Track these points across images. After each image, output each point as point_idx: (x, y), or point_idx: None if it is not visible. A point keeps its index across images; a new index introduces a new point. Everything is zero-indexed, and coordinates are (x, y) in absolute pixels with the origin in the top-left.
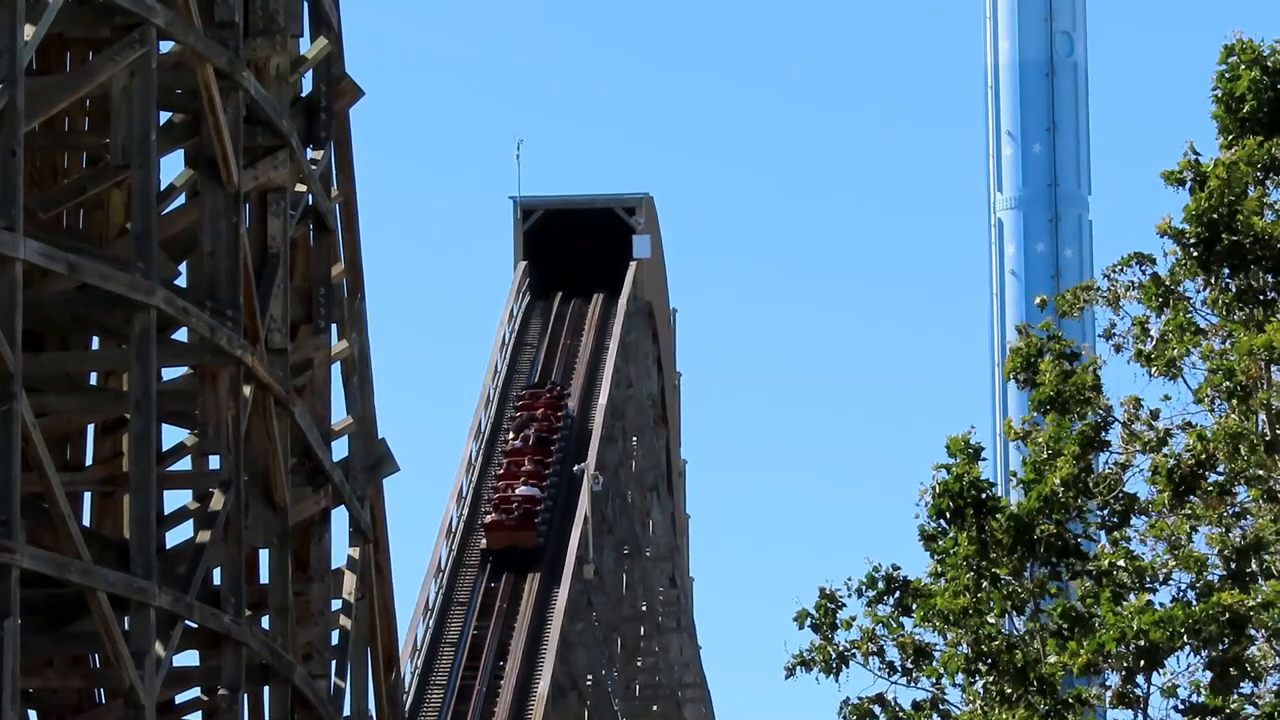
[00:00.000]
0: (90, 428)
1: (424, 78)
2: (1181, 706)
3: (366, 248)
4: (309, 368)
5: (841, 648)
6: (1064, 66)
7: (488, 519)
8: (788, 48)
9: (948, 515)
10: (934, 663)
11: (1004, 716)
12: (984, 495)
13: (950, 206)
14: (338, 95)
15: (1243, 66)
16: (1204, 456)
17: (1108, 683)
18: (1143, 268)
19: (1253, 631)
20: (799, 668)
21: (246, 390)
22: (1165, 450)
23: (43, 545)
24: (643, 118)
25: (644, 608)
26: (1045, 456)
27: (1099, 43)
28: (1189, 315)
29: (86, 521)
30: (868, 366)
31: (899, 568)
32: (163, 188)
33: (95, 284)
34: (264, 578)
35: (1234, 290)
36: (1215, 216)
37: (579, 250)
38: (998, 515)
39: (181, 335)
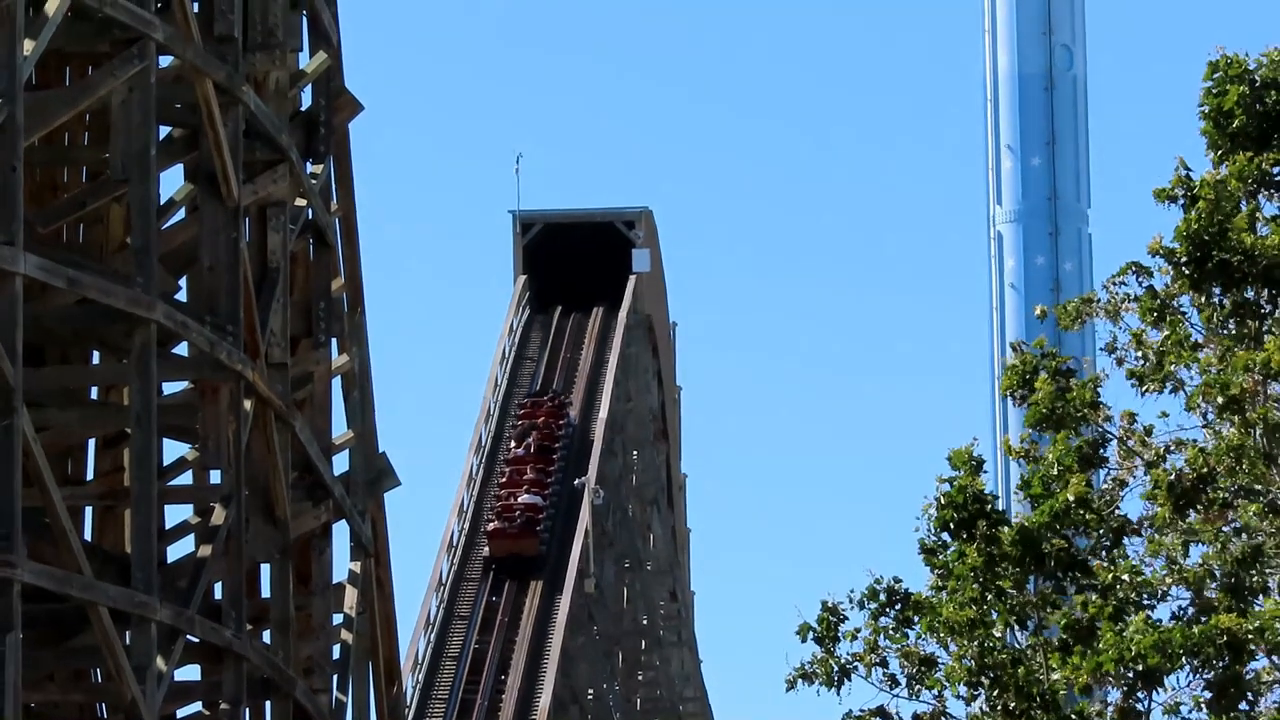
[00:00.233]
0: (91, 442)
1: (423, 92)
2: None
3: (366, 262)
4: (309, 382)
5: (843, 660)
6: (1063, 80)
7: (490, 527)
8: (787, 61)
9: (951, 528)
10: (938, 674)
11: None
12: (988, 508)
13: (949, 220)
14: (337, 109)
15: (1229, 82)
16: (1204, 470)
17: (1109, 699)
18: (1139, 279)
19: (1253, 648)
20: (800, 680)
21: (247, 404)
22: (1165, 465)
23: (44, 560)
24: (642, 131)
25: (645, 621)
26: (1055, 472)
27: (1098, 56)
28: (1184, 329)
29: (88, 536)
30: (867, 380)
31: (900, 580)
32: (162, 202)
33: (95, 298)
34: (265, 592)
35: (1227, 306)
36: (1206, 236)
37: (579, 264)
38: (1005, 528)
39: (182, 350)
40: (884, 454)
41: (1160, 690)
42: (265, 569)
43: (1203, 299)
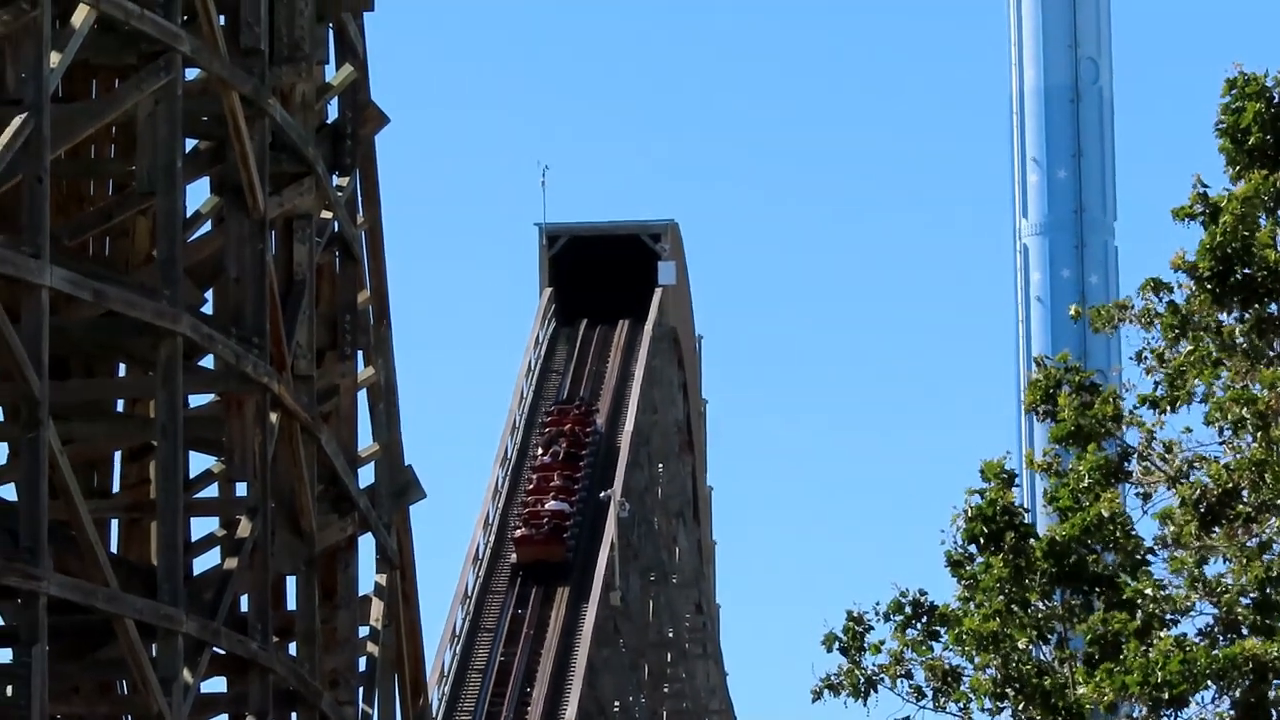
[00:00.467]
0: (117, 454)
1: (449, 104)
2: None
3: (392, 274)
4: (335, 394)
5: (870, 671)
6: (1089, 93)
7: (517, 534)
8: (813, 74)
9: (981, 540)
10: (963, 686)
11: None
12: (1017, 521)
13: (976, 232)
14: (363, 122)
15: (1246, 99)
16: (1229, 485)
17: (1135, 715)
18: (1160, 295)
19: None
20: (826, 691)
21: (273, 417)
22: (1190, 479)
23: (70, 572)
24: (668, 144)
25: (670, 634)
26: (1085, 485)
27: (1124, 69)
28: (1205, 345)
29: (114, 548)
30: (893, 392)
31: (925, 593)
32: (188, 214)
33: (121, 311)
34: (291, 604)
35: (1249, 323)
36: (1229, 251)
37: (604, 276)
38: (1035, 540)
39: (208, 362)
40: (909, 467)
41: (1185, 709)
42: (291, 581)
43: (1225, 313)
